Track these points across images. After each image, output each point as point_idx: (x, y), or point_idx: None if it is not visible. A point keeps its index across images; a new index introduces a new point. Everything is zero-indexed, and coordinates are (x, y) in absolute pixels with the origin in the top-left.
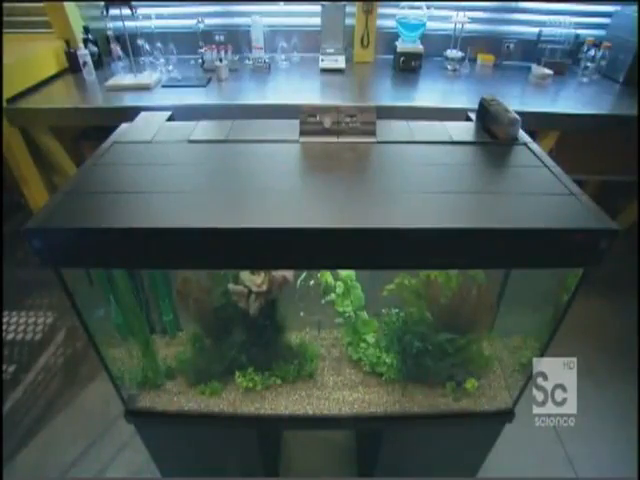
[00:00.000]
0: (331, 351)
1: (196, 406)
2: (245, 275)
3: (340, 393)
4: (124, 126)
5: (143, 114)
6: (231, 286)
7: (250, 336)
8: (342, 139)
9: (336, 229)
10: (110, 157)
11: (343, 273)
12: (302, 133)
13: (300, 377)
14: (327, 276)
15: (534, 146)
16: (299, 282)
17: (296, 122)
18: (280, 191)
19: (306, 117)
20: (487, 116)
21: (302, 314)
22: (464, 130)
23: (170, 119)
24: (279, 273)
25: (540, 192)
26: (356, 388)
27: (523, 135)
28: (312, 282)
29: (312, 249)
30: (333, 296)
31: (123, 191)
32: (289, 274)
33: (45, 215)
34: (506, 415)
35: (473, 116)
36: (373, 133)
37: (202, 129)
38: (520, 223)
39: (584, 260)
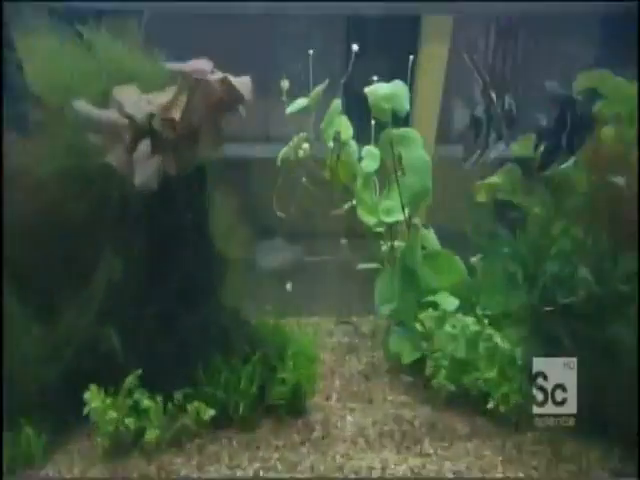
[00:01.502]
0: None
1: None
2: (127, 90)
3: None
4: None
5: None
6: (81, 105)
7: (141, 280)
8: None
9: None
10: None
11: None
12: None
13: (278, 411)
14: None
15: None
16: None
17: None
18: None
19: None
20: None
21: (289, 286)
22: None
23: None
24: (200, 66)
25: None
26: None
27: None
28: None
29: None
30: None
31: None
32: (242, 81)
33: None
34: None
35: None
36: None
37: None
38: None
39: None
